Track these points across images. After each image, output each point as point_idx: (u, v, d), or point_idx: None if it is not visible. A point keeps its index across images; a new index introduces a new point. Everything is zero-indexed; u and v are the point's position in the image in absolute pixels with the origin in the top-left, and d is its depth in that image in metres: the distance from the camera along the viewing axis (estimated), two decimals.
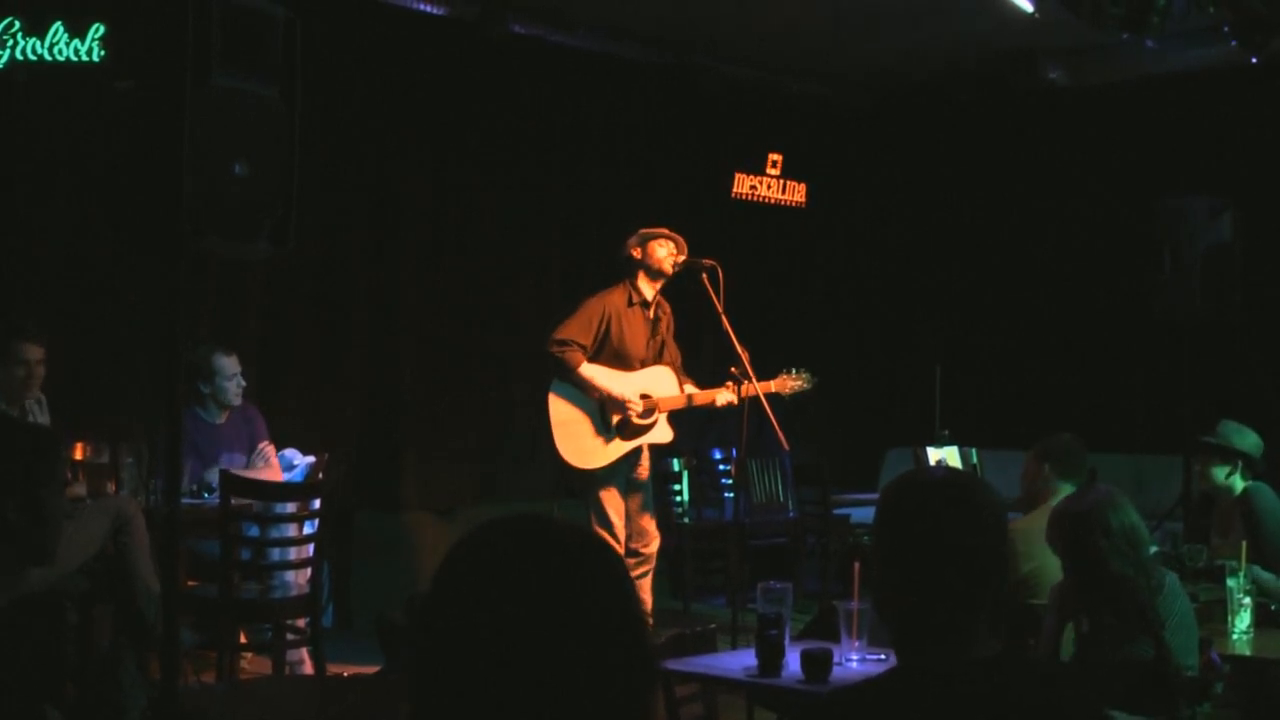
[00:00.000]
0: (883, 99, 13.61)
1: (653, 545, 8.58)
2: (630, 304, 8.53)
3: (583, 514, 8.53)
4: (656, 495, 10.60)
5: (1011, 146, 13.34)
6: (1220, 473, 7.49)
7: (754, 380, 8.17)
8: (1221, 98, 11.83)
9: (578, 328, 8.41)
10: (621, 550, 8.39)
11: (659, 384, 8.59)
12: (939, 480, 3.07)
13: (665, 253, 8.48)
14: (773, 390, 8.55)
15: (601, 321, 8.44)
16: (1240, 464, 7.49)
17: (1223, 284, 9.73)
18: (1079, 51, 11.99)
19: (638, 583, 8.41)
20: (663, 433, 8.62)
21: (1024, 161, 13.24)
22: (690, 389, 8.61)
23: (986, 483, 3.13)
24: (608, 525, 8.36)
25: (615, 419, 8.44)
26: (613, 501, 8.44)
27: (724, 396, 8.49)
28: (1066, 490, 6.72)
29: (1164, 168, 11.91)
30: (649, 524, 8.61)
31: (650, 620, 8.46)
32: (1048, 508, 6.57)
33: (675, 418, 8.70)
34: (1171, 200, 9.97)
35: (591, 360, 8.44)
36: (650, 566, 8.59)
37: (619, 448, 8.45)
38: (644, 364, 8.56)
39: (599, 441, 8.44)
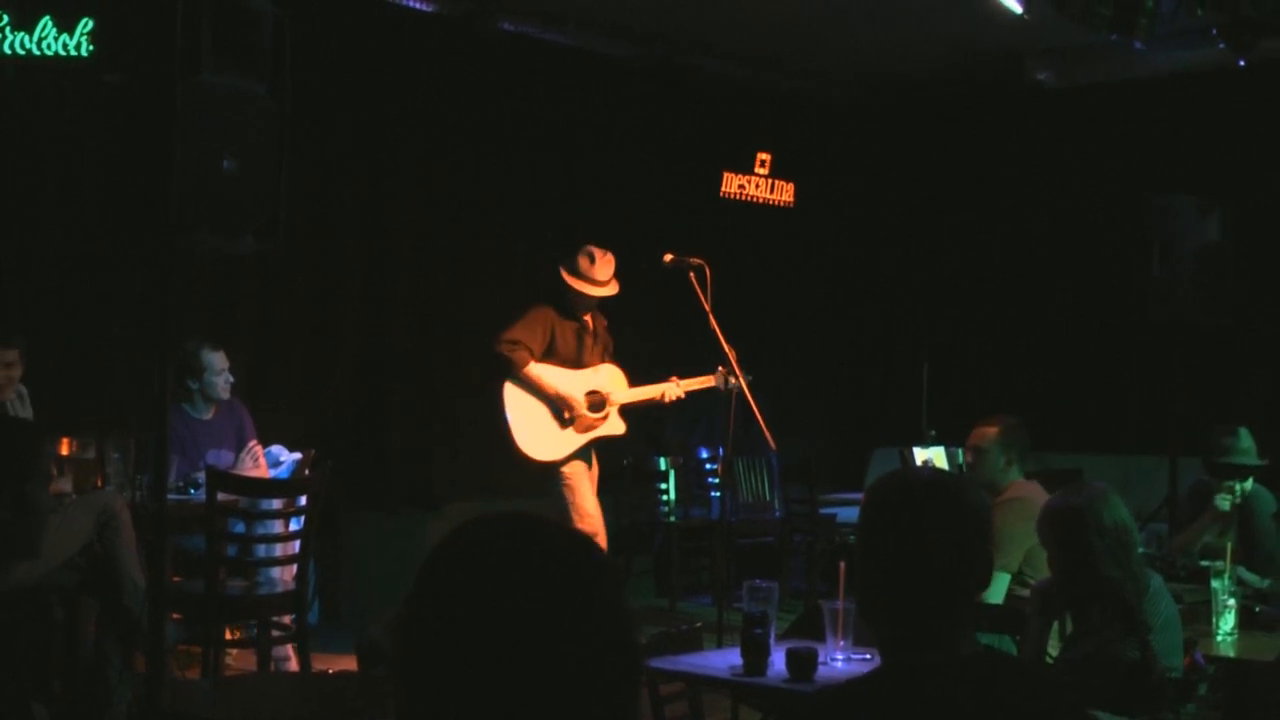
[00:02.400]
0: (871, 99, 13.62)
1: (600, 540, 8.66)
2: (567, 316, 9.02)
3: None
4: (643, 494, 10.66)
5: (1000, 147, 13.35)
6: (1249, 483, 7.56)
7: (741, 378, 8.18)
8: (1210, 99, 11.85)
9: (526, 331, 8.89)
10: (604, 541, 8.48)
11: (607, 381, 9.02)
12: (922, 480, 3.08)
13: (583, 303, 9.01)
14: (713, 384, 8.85)
15: (547, 330, 8.92)
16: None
17: (1212, 283, 9.75)
18: (1067, 52, 12.01)
19: None
20: (615, 425, 9.03)
21: (1012, 161, 13.25)
22: (639, 387, 9.08)
23: (970, 483, 3.15)
24: (585, 517, 8.70)
25: (567, 415, 8.86)
26: (583, 491, 8.81)
27: (671, 391, 9.00)
28: (1015, 475, 6.76)
29: (1153, 168, 11.93)
30: (600, 527, 8.90)
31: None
32: (1024, 497, 6.61)
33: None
34: (1160, 200, 9.99)
35: (543, 361, 8.90)
36: None
37: (575, 440, 8.86)
38: (590, 364, 9.03)
39: (556, 434, 8.85)
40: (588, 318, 9.07)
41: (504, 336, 8.86)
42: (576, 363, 8.96)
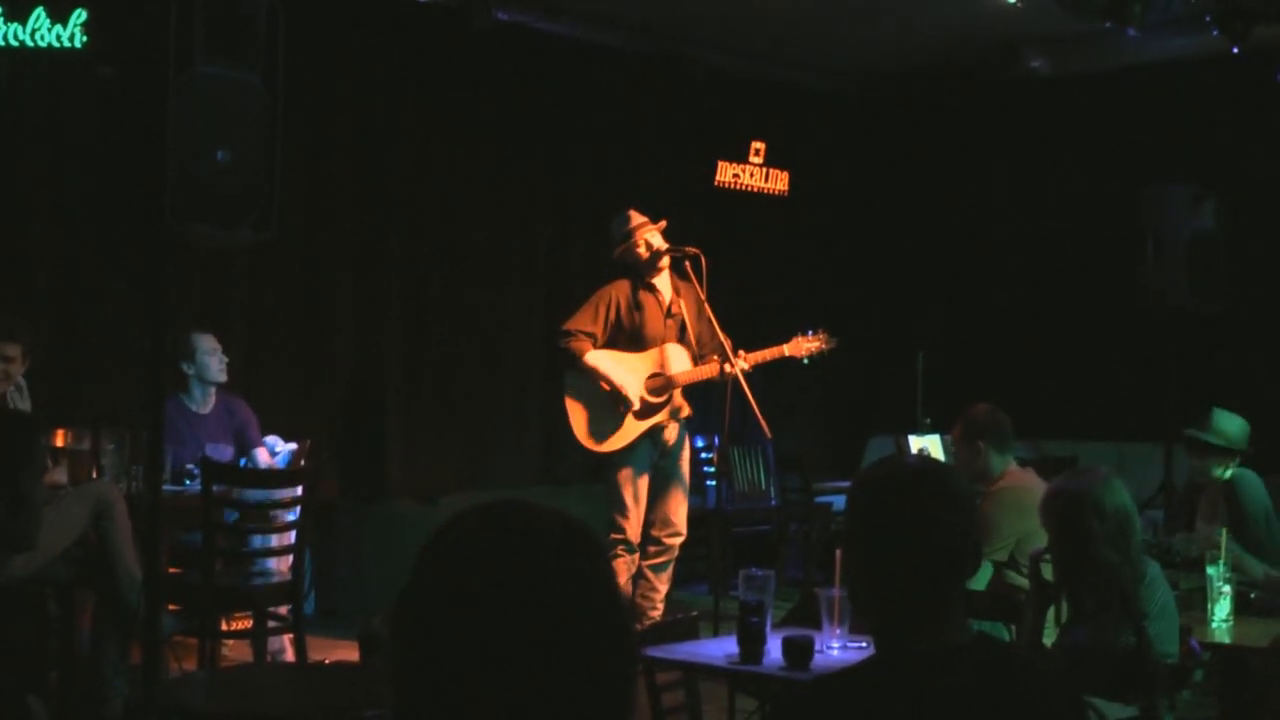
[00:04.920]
0: (866, 88, 13.61)
1: (676, 539, 8.51)
2: (638, 290, 8.54)
3: (565, 500, 8.52)
4: None
5: (994, 136, 13.34)
6: (1219, 469, 7.48)
7: (736, 368, 8.15)
8: (1204, 87, 11.84)
9: (585, 317, 8.49)
10: (636, 539, 8.38)
11: (671, 362, 8.52)
12: (909, 467, 3.08)
13: (640, 246, 8.50)
14: (786, 354, 8.49)
15: (609, 308, 8.48)
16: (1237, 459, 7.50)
17: (1206, 272, 9.76)
18: (1061, 41, 12.00)
19: (654, 573, 8.41)
20: (679, 409, 8.57)
21: (1007, 150, 13.25)
22: (702, 366, 8.48)
23: (956, 471, 3.15)
24: (623, 511, 8.36)
25: (621, 408, 8.43)
26: (630, 487, 8.40)
27: (734, 366, 8.26)
28: (1003, 463, 6.74)
29: (1147, 157, 11.92)
30: (676, 515, 8.54)
31: (659, 608, 8.47)
32: (1016, 486, 6.61)
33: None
34: (1155, 189, 9.99)
35: (608, 346, 8.47)
36: (670, 557, 8.49)
37: (634, 427, 8.43)
38: (662, 343, 8.53)
39: (615, 423, 8.43)
40: (661, 287, 8.56)
41: (562, 327, 8.53)
42: (648, 338, 8.50)
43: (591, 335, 8.45)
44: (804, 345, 8.55)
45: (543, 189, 11.69)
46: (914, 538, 2.85)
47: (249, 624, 7.90)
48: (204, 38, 5.25)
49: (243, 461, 8.22)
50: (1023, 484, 6.62)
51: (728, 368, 8.23)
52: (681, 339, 8.58)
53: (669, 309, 8.57)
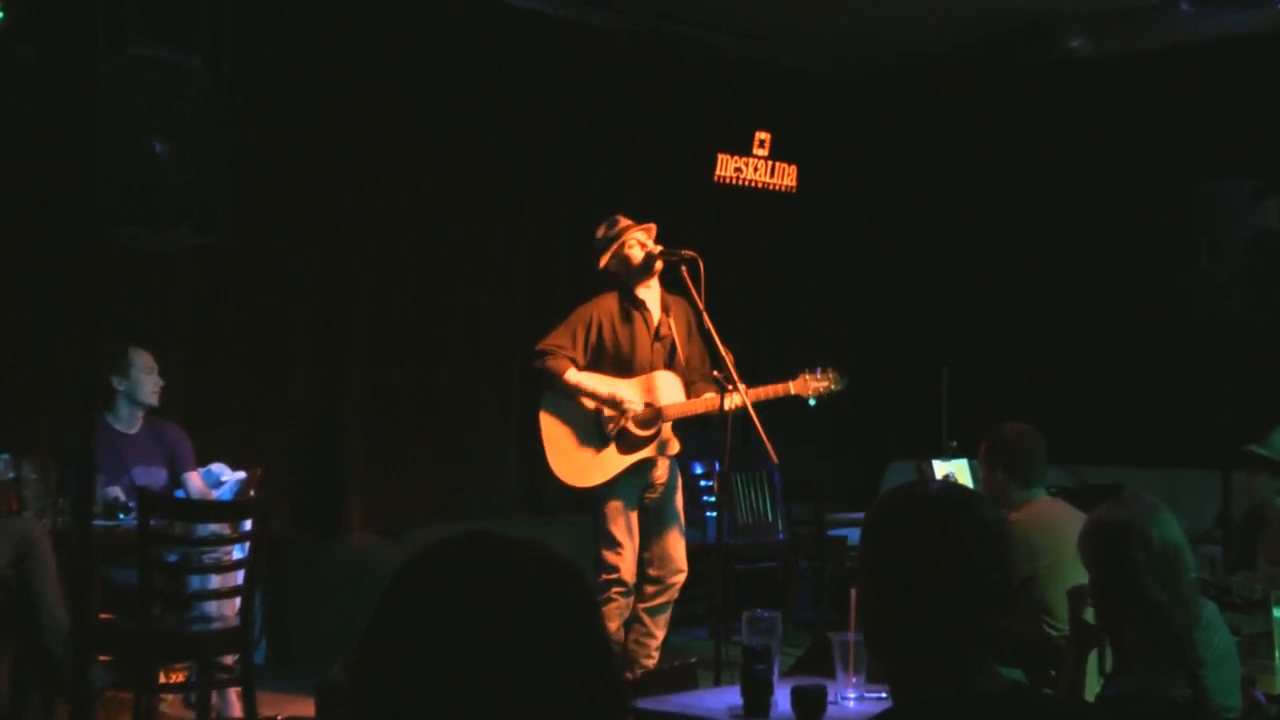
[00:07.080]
0: (882, 73, 13.61)
1: (677, 576, 8.53)
2: (625, 307, 8.53)
3: (548, 533, 8.49)
4: None
5: (1026, 124, 13.33)
6: (1270, 487, 7.48)
7: (739, 385, 8.14)
8: (1266, 68, 11.83)
9: (563, 335, 8.47)
10: (631, 578, 8.37)
11: (662, 391, 8.53)
12: (933, 493, 3.07)
13: (633, 247, 8.50)
14: (792, 392, 8.51)
15: (590, 327, 8.47)
16: None
17: (1267, 276, 9.76)
18: (1103, 17, 12.00)
19: (651, 617, 8.42)
20: (667, 444, 8.58)
21: (1040, 141, 13.23)
22: (706, 395, 8.47)
23: (984, 497, 3.13)
24: (614, 547, 8.36)
25: (611, 427, 8.41)
26: (619, 522, 8.39)
27: (732, 400, 8.20)
28: (1024, 496, 6.72)
29: (1201, 147, 11.92)
30: (675, 550, 8.55)
31: (655, 656, 8.46)
32: (1030, 520, 6.60)
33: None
34: (1209, 184, 10.00)
35: (588, 370, 8.46)
36: (670, 598, 8.52)
37: (617, 461, 8.42)
38: (650, 369, 8.53)
39: (594, 455, 8.43)
40: (649, 304, 8.55)
41: (537, 346, 8.50)
42: (635, 363, 8.50)
43: (571, 356, 8.44)
44: (811, 384, 8.56)
45: (523, 188, 11.67)
46: (934, 569, 2.83)
47: (189, 676, 7.88)
48: (138, 14, 5.24)
49: (180, 493, 8.20)
50: (1040, 517, 6.59)
51: (726, 401, 8.20)
52: (671, 364, 8.59)
53: (657, 331, 8.57)
